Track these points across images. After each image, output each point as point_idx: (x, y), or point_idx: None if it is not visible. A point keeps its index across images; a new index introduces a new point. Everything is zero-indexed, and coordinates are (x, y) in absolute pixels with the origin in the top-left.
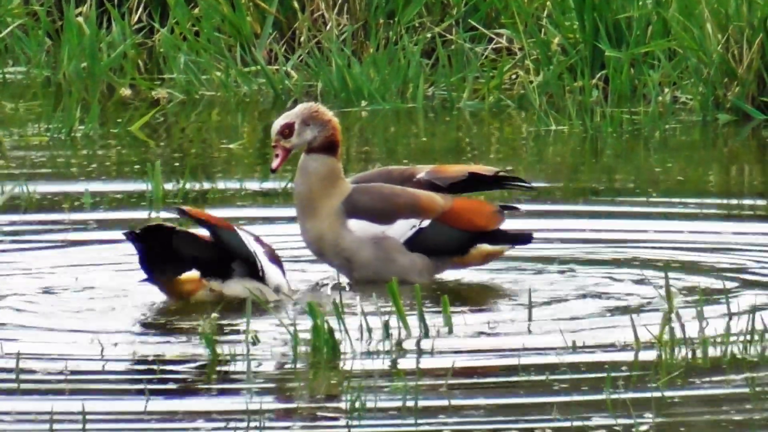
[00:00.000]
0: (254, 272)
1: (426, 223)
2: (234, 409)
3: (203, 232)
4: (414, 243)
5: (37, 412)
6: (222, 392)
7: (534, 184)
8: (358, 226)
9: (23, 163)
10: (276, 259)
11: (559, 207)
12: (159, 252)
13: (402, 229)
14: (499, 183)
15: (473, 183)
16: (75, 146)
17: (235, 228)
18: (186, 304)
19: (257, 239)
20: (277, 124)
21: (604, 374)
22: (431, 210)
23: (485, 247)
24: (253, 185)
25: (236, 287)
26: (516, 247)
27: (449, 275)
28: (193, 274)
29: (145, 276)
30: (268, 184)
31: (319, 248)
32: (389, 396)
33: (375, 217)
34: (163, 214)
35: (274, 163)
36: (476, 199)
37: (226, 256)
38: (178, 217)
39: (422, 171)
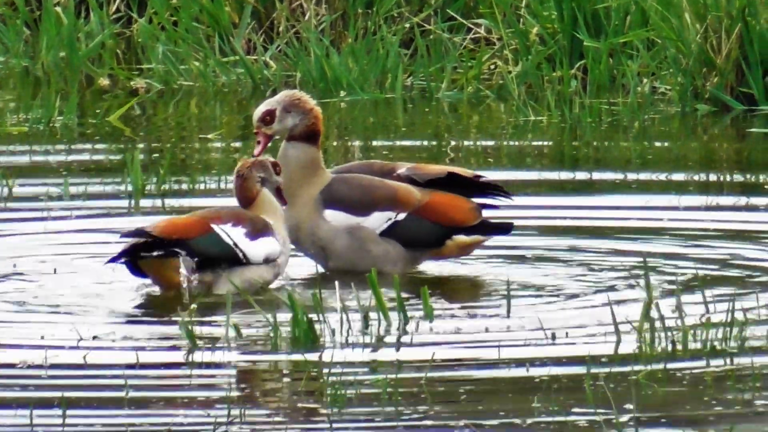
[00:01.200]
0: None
1: (402, 215)
2: (214, 398)
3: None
4: (389, 235)
5: (18, 401)
6: (202, 383)
7: (513, 176)
8: (334, 216)
9: (2, 153)
10: (258, 229)
11: (537, 197)
12: (148, 245)
13: (378, 221)
14: (477, 188)
15: (451, 183)
16: (54, 136)
17: (211, 225)
18: (166, 294)
19: (236, 219)
20: (259, 110)
21: (584, 365)
22: (408, 203)
23: (462, 238)
24: (231, 175)
25: (225, 283)
26: (494, 237)
27: (430, 266)
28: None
29: (115, 255)
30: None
31: (296, 237)
32: (370, 387)
33: (352, 207)
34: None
35: (256, 150)
36: (454, 195)
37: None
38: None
39: (403, 167)
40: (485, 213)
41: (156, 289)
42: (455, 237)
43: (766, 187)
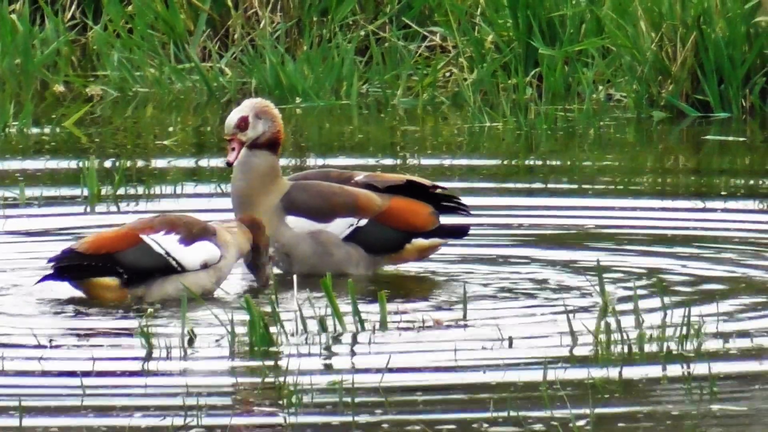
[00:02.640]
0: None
1: (363, 222)
2: (170, 404)
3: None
4: (352, 241)
5: None
6: (158, 387)
7: (469, 182)
8: (296, 223)
9: None
10: (195, 234)
11: (494, 201)
12: (78, 266)
13: (340, 227)
14: (435, 198)
15: (409, 191)
16: (9, 142)
17: (141, 236)
18: (119, 299)
19: (170, 226)
20: (233, 118)
21: (541, 368)
22: (369, 209)
23: (420, 242)
24: (188, 181)
25: (159, 292)
26: (451, 240)
27: (388, 270)
28: (111, 280)
29: (48, 273)
30: (203, 178)
31: None
32: (325, 392)
33: (313, 215)
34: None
35: (231, 156)
36: (413, 200)
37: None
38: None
39: (360, 175)
40: (445, 215)
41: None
42: (414, 241)
43: (720, 192)
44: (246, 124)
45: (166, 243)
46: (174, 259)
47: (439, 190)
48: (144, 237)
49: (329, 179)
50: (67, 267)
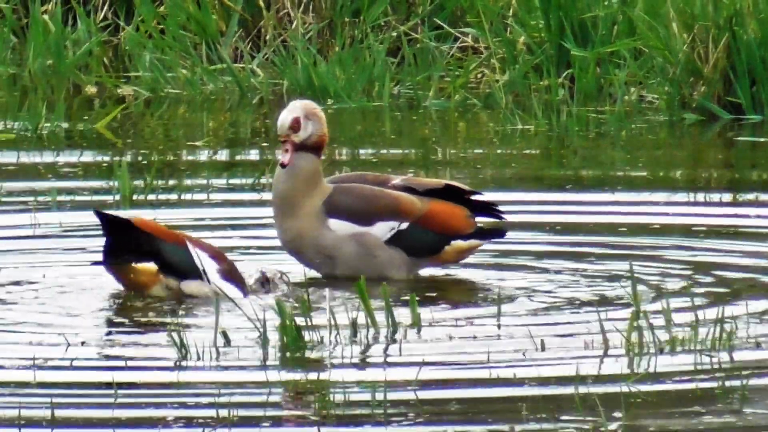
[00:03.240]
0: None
1: (405, 225)
2: (203, 404)
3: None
4: (393, 244)
5: (6, 404)
6: (190, 390)
7: (502, 187)
8: (338, 226)
9: None
10: (234, 278)
11: (528, 207)
12: (122, 240)
13: (382, 230)
14: (472, 204)
15: (448, 195)
16: (41, 143)
17: (187, 242)
18: (152, 301)
19: (215, 255)
20: (286, 118)
21: (573, 372)
22: (410, 212)
23: (459, 244)
24: (219, 182)
25: (192, 286)
26: (490, 241)
27: (423, 272)
28: (150, 266)
29: (100, 259)
30: (234, 180)
31: (298, 246)
32: (358, 393)
33: (355, 217)
34: (135, 212)
35: (286, 158)
36: (451, 204)
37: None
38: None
39: (396, 179)
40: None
41: (141, 298)
42: (453, 243)
43: (753, 193)
44: (299, 125)
45: (206, 262)
46: (206, 275)
47: (475, 197)
48: (189, 245)
49: (365, 182)
50: (115, 225)
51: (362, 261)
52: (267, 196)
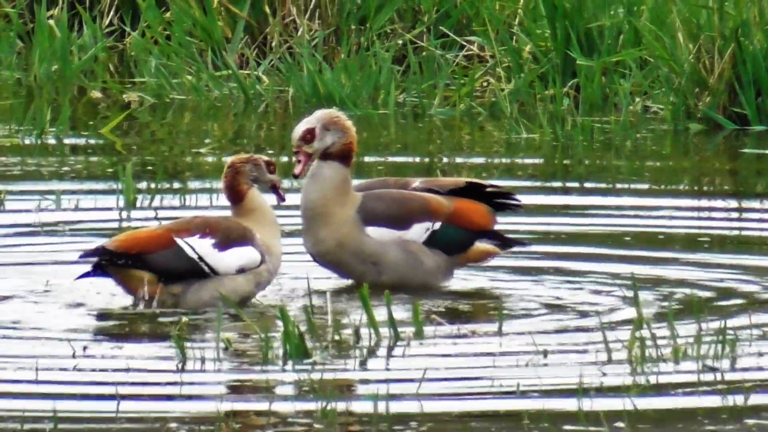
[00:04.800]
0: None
1: (438, 224)
2: (205, 412)
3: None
4: (430, 244)
5: (9, 413)
6: (193, 396)
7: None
8: (377, 233)
9: None
10: (232, 239)
11: (531, 216)
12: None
13: (418, 232)
14: (489, 197)
15: (468, 193)
16: (46, 148)
17: (175, 238)
18: (155, 307)
19: (206, 229)
20: (299, 129)
21: (576, 384)
22: (440, 212)
23: (482, 245)
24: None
25: (194, 295)
26: (511, 249)
27: None
28: (148, 275)
29: (90, 268)
30: None
31: (337, 258)
32: (361, 402)
33: (392, 222)
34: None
35: (297, 169)
36: (473, 201)
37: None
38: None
39: (416, 181)
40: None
41: (144, 304)
42: (477, 243)
43: (757, 203)
44: (312, 136)
45: (199, 247)
46: (207, 264)
47: (494, 188)
48: (178, 240)
49: (388, 187)
50: (99, 264)
51: (409, 267)
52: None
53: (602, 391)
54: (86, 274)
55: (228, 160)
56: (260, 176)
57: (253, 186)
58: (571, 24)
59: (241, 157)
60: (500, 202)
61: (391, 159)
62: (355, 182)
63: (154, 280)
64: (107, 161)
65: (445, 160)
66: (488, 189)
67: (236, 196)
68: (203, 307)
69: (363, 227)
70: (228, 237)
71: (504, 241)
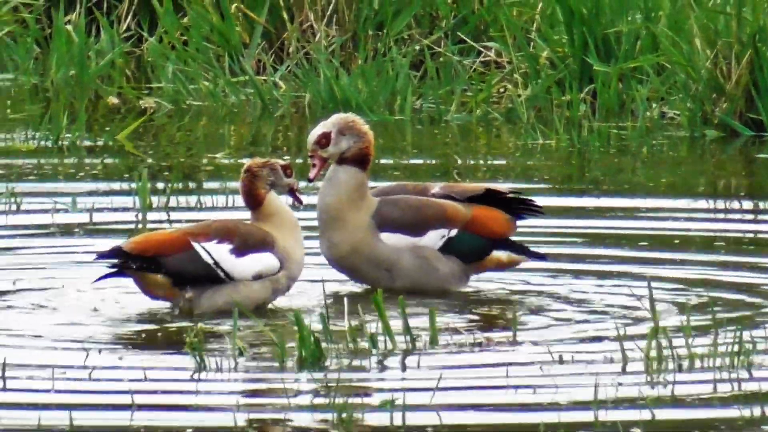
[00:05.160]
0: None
1: (454, 232)
2: (220, 419)
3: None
4: (446, 251)
5: (24, 423)
6: (208, 403)
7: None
8: (392, 239)
9: (10, 170)
10: (251, 245)
11: (547, 220)
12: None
13: (433, 239)
14: (510, 203)
15: (488, 200)
16: (62, 154)
17: (192, 242)
18: (171, 311)
19: (224, 234)
20: (314, 134)
21: (592, 392)
22: (457, 219)
23: (500, 254)
24: (239, 195)
25: (209, 300)
26: (531, 260)
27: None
28: (163, 279)
29: (108, 271)
30: None
31: (351, 263)
32: (376, 408)
33: (407, 228)
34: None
35: (312, 173)
36: (492, 208)
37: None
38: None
39: (435, 187)
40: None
41: (161, 307)
42: (495, 252)
43: None
44: (327, 140)
45: (216, 252)
46: (222, 269)
47: (514, 194)
48: (194, 243)
49: (406, 192)
50: (114, 265)
51: (423, 273)
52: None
53: (618, 399)
54: (105, 276)
55: (245, 164)
56: (277, 180)
57: (271, 190)
58: (588, 30)
59: (258, 161)
60: (521, 207)
61: (406, 162)
62: (373, 186)
63: (169, 283)
64: (123, 167)
65: (460, 166)
66: (509, 195)
67: (254, 201)
68: (217, 311)
69: (377, 233)
70: (246, 242)
71: (523, 252)
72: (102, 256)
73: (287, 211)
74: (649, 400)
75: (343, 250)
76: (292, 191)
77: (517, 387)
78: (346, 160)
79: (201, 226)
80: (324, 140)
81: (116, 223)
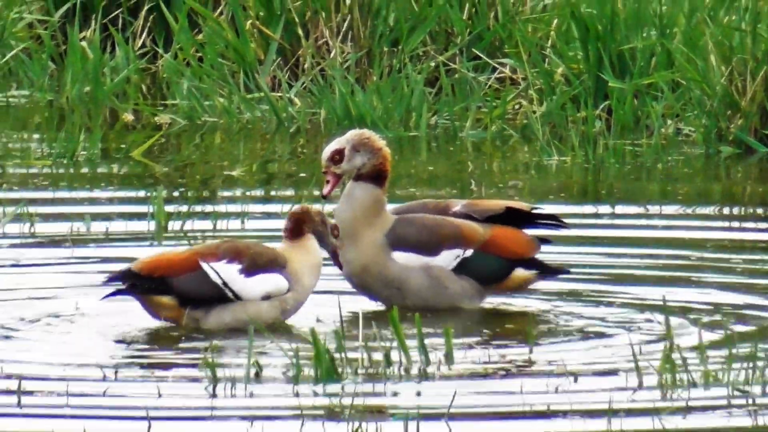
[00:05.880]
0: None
1: (469, 252)
2: None
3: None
4: (460, 272)
5: None
6: (223, 420)
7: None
8: (403, 258)
9: (26, 186)
10: (260, 265)
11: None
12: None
13: (447, 258)
14: (533, 220)
15: (509, 218)
16: (77, 170)
17: (200, 262)
18: (185, 330)
19: (234, 254)
20: (328, 150)
21: (606, 406)
22: (474, 239)
23: (522, 273)
24: (255, 210)
25: (216, 319)
26: (554, 278)
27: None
28: (169, 300)
29: (116, 288)
30: (271, 208)
31: (363, 280)
32: (391, 425)
33: (419, 248)
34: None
35: (325, 189)
36: (512, 228)
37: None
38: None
39: (457, 204)
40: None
41: (172, 325)
42: (518, 271)
43: None
44: (341, 157)
45: (225, 272)
46: (231, 290)
47: (536, 211)
48: (203, 264)
49: (427, 210)
50: (127, 282)
51: (433, 292)
52: None
53: (632, 412)
54: (113, 294)
55: (302, 206)
56: (324, 235)
57: (312, 235)
58: (603, 46)
59: (315, 209)
60: (544, 223)
61: (423, 178)
62: (395, 205)
63: (176, 304)
64: (138, 183)
65: (475, 183)
66: (532, 212)
67: (294, 234)
68: (225, 329)
69: (389, 251)
70: (255, 263)
71: (545, 269)
72: (112, 279)
73: (316, 251)
74: (664, 416)
75: (355, 267)
76: (334, 253)
77: (531, 405)
78: (362, 177)
79: (210, 245)
80: (337, 156)
81: (131, 238)
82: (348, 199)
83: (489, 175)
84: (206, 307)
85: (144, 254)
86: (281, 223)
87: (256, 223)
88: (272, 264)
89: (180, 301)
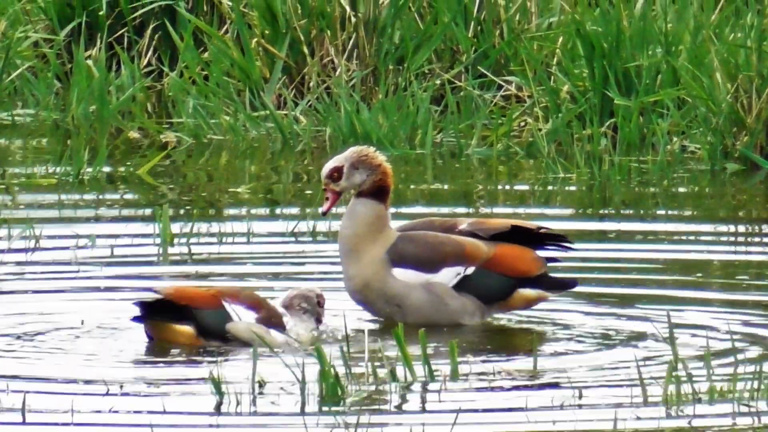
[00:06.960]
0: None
1: (471, 270)
2: None
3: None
4: (461, 289)
5: None
6: None
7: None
8: (404, 275)
9: (31, 205)
10: (273, 323)
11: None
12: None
13: (447, 276)
14: (540, 239)
15: (514, 236)
16: (83, 189)
17: (222, 301)
18: (191, 347)
19: (253, 304)
20: (327, 167)
21: (611, 422)
22: (476, 257)
23: (527, 292)
24: (260, 229)
25: (240, 330)
26: (560, 293)
27: None
28: (189, 329)
29: (138, 314)
30: (277, 227)
31: (365, 297)
32: None
33: (420, 265)
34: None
35: (324, 207)
36: (518, 246)
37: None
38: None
39: (464, 223)
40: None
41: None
42: (520, 291)
43: None
44: (339, 174)
45: (243, 316)
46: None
47: (543, 230)
48: (225, 303)
49: (433, 228)
50: (150, 306)
51: (434, 309)
52: (307, 243)
53: (638, 430)
54: (137, 318)
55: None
56: (311, 309)
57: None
58: (609, 64)
59: (291, 293)
60: (550, 242)
61: (429, 196)
62: (402, 222)
63: (194, 334)
64: (144, 201)
65: (481, 200)
66: (538, 231)
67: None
68: (238, 346)
69: (390, 268)
70: (269, 319)
71: (552, 286)
72: (140, 303)
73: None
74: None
75: (356, 284)
76: (318, 320)
77: (536, 421)
78: (363, 193)
79: (232, 289)
80: (336, 174)
81: (137, 257)
82: (350, 216)
83: (495, 194)
84: (222, 340)
85: (152, 273)
86: (287, 246)
87: (261, 239)
88: (278, 323)
89: (198, 330)
